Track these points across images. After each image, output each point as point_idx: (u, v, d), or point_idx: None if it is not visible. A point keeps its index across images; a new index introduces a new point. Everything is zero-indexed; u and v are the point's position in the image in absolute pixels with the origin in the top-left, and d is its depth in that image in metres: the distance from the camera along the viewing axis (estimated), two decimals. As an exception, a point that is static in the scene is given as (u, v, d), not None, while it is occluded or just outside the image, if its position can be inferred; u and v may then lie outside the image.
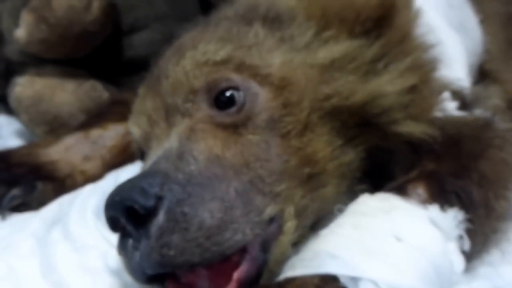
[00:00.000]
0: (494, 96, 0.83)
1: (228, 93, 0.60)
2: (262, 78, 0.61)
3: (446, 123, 0.67)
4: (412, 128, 0.64)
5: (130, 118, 0.71)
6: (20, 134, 1.07)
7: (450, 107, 0.70)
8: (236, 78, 0.60)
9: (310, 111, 0.61)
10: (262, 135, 0.59)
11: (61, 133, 0.89)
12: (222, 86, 0.60)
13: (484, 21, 0.92)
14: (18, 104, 1.01)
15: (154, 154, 0.60)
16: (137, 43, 1.08)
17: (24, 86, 1.01)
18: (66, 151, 0.84)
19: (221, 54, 0.61)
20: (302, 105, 0.60)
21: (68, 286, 0.60)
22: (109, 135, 0.86)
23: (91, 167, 0.84)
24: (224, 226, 0.53)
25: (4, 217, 0.77)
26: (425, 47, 0.69)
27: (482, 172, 0.62)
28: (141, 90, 0.70)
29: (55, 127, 0.99)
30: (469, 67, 0.82)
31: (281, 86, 0.61)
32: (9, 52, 1.06)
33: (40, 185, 0.80)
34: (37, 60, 1.01)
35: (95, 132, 0.86)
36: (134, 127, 0.68)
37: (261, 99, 0.60)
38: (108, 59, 1.07)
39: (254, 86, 0.60)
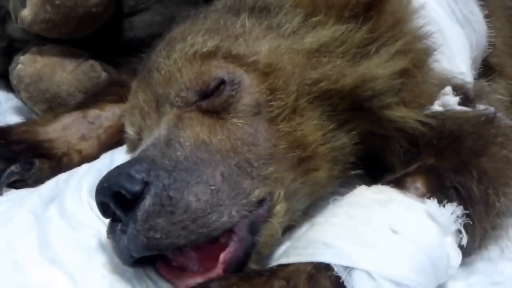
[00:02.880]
0: (498, 91, 0.82)
1: (215, 86, 0.61)
2: (248, 66, 0.62)
3: (447, 118, 0.67)
4: (404, 113, 0.64)
5: (125, 117, 0.72)
6: (18, 110, 1.07)
7: (452, 101, 0.69)
8: (223, 73, 0.61)
9: (298, 95, 0.61)
10: (248, 119, 0.60)
11: (59, 111, 0.88)
12: (212, 86, 0.61)
13: (490, 15, 0.91)
14: (19, 81, 1.01)
15: (144, 143, 0.62)
16: (138, 25, 1.07)
17: (25, 64, 1.00)
18: (64, 130, 0.84)
19: (209, 45, 0.63)
20: (288, 90, 0.61)
21: (63, 263, 0.60)
22: (106, 115, 0.86)
23: (87, 146, 0.84)
24: (210, 208, 0.54)
25: (1, 193, 0.76)
26: (419, 33, 0.69)
27: (482, 169, 0.62)
28: (133, 85, 0.72)
29: (53, 105, 0.99)
30: (473, 61, 0.81)
31: (266, 72, 0.62)
32: (12, 29, 1.06)
33: (37, 163, 0.80)
34: (39, 39, 1.01)
35: (93, 112, 0.86)
36: (129, 127, 0.70)
37: (244, 85, 0.61)
38: (108, 39, 1.06)
39: (240, 74, 0.62)
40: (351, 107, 0.64)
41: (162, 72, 0.64)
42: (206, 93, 0.62)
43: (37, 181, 0.78)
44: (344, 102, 0.63)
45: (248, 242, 0.56)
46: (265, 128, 0.60)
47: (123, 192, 0.53)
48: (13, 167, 0.78)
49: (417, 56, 0.67)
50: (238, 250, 0.55)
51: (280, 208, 0.58)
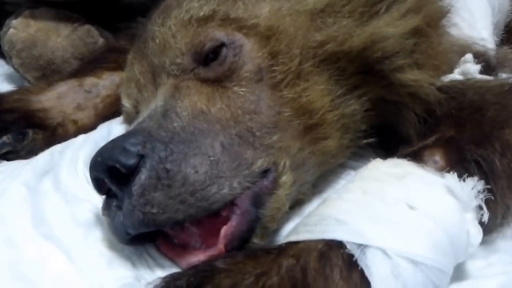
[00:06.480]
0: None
1: (213, 50, 0.59)
2: (248, 30, 0.59)
3: (468, 88, 0.64)
4: (417, 76, 0.61)
5: (121, 89, 0.71)
6: (10, 78, 1.04)
7: (473, 70, 0.65)
8: (221, 35, 0.59)
9: (302, 59, 0.59)
10: (250, 87, 0.58)
11: (53, 79, 0.86)
12: (208, 46, 0.59)
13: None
14: (11, 47, 0.97)
15: (141, 116, 0.60)
16: (136, -13, 1.04)
17: (17, 29, 0.97)
18: (59, 98, 0.81)
19: (205, 9, 0.60)
20: (291, 54, 0.59)
21: (59, 239, 0.58)
22: (104, 84, 0.83)
23: (83, 116, 0.81)
24: (209, 180, 0.52)
25: (-7, 165, 0.75)
26: None
27: (506, 141, 0.58)
28: (129, 56, 0.70)
29: (47, 73, 0.96)
30: (495, 26, 0.78)
31: (267, 36, 0.59)
32: (3, -8, 1.03)
33: (30, 133, 0.78)
34: (33, 1, 0.98)
35: (89, 81, 0.83)
36: (125, 99, 0.69)
37: (246, 50, 0.59)
38: (106, 2, 1.03)
39: (239, 38, 0.59)
40: (360, 70, 0.61)
41: (157, 40, 0.62)
42: (202, 56, 0.59)
43: (30, 153, 0.76)
44: (353, 65, 0.60)
45: (252, 215, 0.53)
46: (268, 95, 0.58)
47: (118, 166, 0.50)
48: (4, 138, 0.76)
49: (430, 14, 0.63)
50: (241, 223, 0.53)
51: (286, 179, 0.56)
